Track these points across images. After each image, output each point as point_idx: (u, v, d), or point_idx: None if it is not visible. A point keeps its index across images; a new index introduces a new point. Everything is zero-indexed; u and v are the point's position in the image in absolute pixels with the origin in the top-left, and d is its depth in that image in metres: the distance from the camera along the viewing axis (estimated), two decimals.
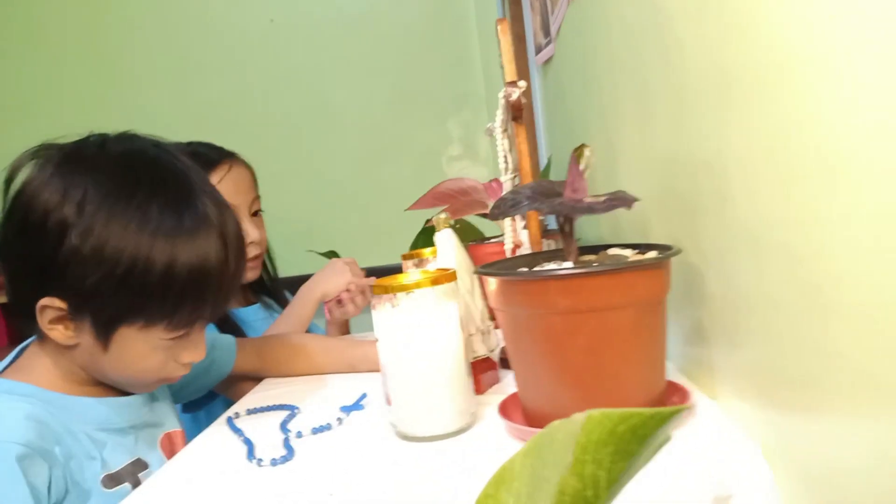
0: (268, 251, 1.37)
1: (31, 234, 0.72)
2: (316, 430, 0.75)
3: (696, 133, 0.64)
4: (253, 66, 2.59)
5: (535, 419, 0.65)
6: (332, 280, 1.26)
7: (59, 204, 0.72)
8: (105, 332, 0.74)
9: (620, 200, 0.58)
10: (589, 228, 1.23)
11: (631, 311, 0.59)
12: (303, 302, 1.26)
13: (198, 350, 0.82)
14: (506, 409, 0.69)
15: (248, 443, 0.74)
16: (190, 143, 1.26)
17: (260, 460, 0.68)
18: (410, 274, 0.73)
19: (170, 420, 0.91)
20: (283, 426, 0.78)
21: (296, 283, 1.55)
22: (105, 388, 0.82)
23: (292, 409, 0.85)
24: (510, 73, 0.86)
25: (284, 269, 2.51)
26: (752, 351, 0.55)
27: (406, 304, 0.68)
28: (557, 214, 0.63)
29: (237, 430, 0.79)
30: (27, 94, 2.54)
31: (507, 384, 0.84)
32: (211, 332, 1.10)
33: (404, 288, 0.68)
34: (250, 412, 0.87)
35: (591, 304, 0.58)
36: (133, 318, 0.74)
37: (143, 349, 0.76)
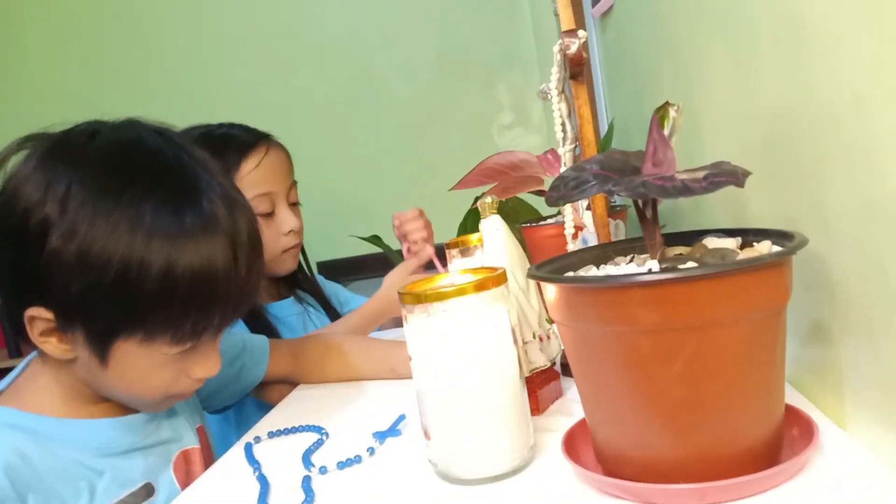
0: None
1: (13, 235, 0.63)
2: (342, 465, 0.62)
3: (819, 75, 0.48)
4: (289, 37, 2.47)
5: (611, 461, 0.50)
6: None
7: (41, 201, 0.62)
8: (101, 346, 0.64)
9: (729, 176, 0.43)
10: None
11: (743, 327, 0.44)
12: (368, 320, 1.15)
13: (209, 363, 0.71)
14: (573, 443, 0.54)
15: (263, 481, 0.61)
16: (221, 125, 1.15)
17: None
18: (449, 276, 0.59)
19: (187, 435, 0.80)
20: (307, 458, 0.65)
21: (335, 266, 1.43)
22: (111, 407, 0.73)
23: (320, 433, 0.72)
24: (567, 20, 0.69)
25: (323, 253, 2.41)
26: None
27: (444, 315, 0.54)
28: (639, 198, 0.47)
29: (253, 463, 0.67)
30: (64, 73, 2.49)
31: (572, 398, 0.70)
32: (242, 331, 0.99)
33: (441, 296, 0.53)
34: (272, 435, 0.74)
35: (689, 319, 0.43)
36: (130, 331, 0.64)
37: (147, 365, 0.67)
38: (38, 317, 0.64)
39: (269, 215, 1.11)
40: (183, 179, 0.65)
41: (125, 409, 0.73)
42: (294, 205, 1.19)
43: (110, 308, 0.62)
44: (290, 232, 1.14)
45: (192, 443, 0.80)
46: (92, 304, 0.62)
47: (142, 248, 0.61)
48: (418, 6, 2.41)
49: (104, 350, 0.64)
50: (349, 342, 0.95)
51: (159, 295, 0.62)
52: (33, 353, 0.74)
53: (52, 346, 0.65)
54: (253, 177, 1.09)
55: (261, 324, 1.11)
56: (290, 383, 0.95)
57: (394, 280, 1.16)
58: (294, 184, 1.19)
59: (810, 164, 0.53)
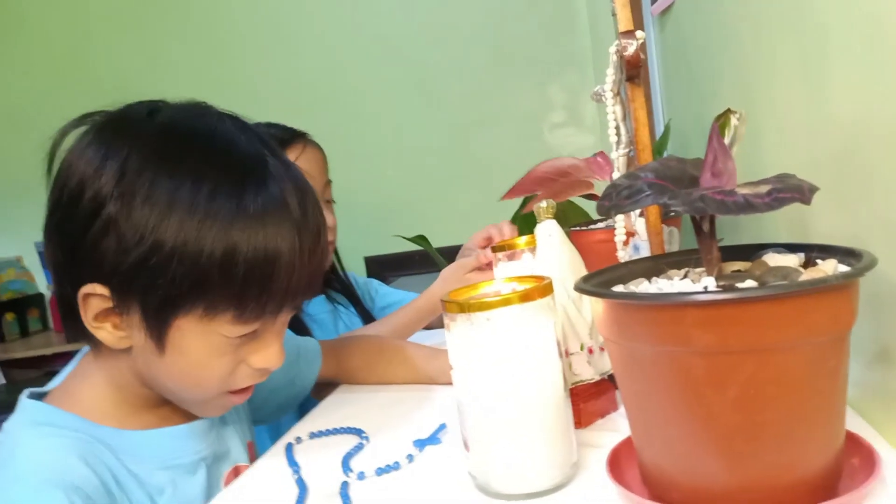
0: None
1: (68, 208, 0.61)
2: (381, 471, 0.62)
3: None
4: (345, 34, 2.48)
5: (658, 485, 0.48)
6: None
7: (97, 173, 0.60)
8: (158, 326, 0.61)
9: (794, 192, 0.40)
10: None
11: (804, 352, 0.41)
12: (417, 316, 1.14)
13: (271, 353, 0.67)
14: (618, 463, 0.52)
15: (301, 486, 0.61)
16: (259, 124, 1.16)
17: None
18: (493, 284, 0.58)
19: (237, 450, 0.77)
20: (346, 462, 0.65)
21: (382, 262, 1.43)
22: (167, 414, 0.70)
23: (360, 436, 0.71)
24: (625, 20, 0.67)
25: (371, 249, 2.42)
26: None
27: (487, 325, 0.52)
28: (696, 213, 0.45)
29: (293, 465, 0.66)
30: (124, 67, 2.54)
31: (619, 413, 0.68)
32: (293, 335, 0.97)
33: (485, 306, 0.52)
34: (314, 436, 0.74)
35: (747, 341, 0.40)
36: (191, 304, 0.60)
37: (206, 349, 0.63)
38: (93, 293, 0.61)
39: None
40: (250, 160, 0.63)
41: (183, 417, 0.70)
42: (328, 202, 1.19)
43: (168, 280, 0.59)
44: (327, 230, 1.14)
45: (242, 459, 0.77)
46: (149, 276, 0.59)
47: (201, 221, 0.58)
48: (475, 3, 2.40)
49: (162, 331, 0.61)
50: (391, 348, 0.94)
51: (219, 270, 0.59)
52: (83, 351, 0.71)
53: (106, 332, 0.62)
54: None
55: (293, 321, 1.11)
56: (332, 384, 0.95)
57: (447, 277, 1.13)
58: (329, 182, 1.20)
59: (883, 179, 0.50)
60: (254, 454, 0.80)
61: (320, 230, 0.65)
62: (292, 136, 1.15)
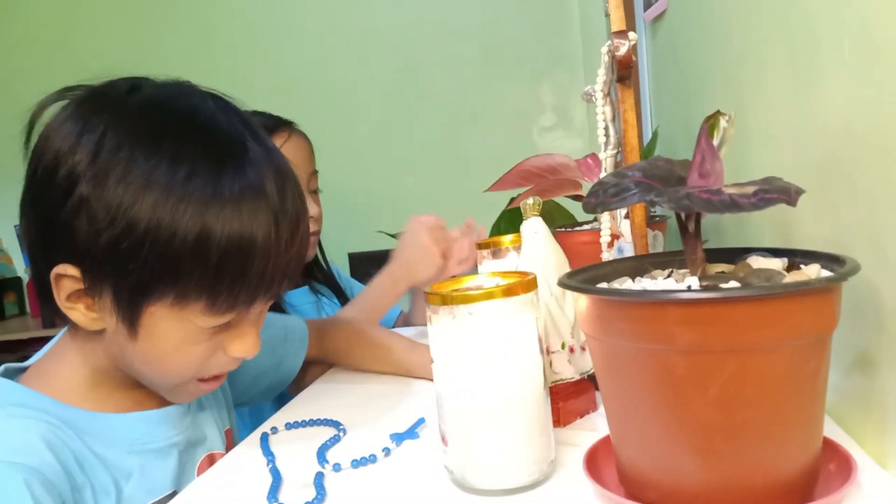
0: None
1: (42, 184, 0.60)
2: (357, 463, 0.61)
3: (892, 93, 0.45)
4: (333, 27, 2.47)
5: (635, 484, 0.48)
6: (420, 270, 1.06)
7: (72, 148, 0.58)
8: (130, 310, 0.60)
9: (781, 193, 0.40)
10: None
11: (785, 354, 0.41)
12: (383, 292, 1.10)
13: (247, 341, 0.66)
14: (595, 461, 0.52)
15: (275, 475, 0.60)
16: (245, 112, 1.15)
17: None
18: (477, 278, 0.57)
19: (213, 437, 0.76)
20: (321, 453, 0.64)
21: (367, 258, 1.42)
22: (142, 397, 0.69)
23: (337, 428, 0.71)
24: (618, 21, 0.67)
25: (355, 245, 2.41)
26: None
27: (469, 319, 0.52)
28: (682, 211, 0.45)
29: (268, 454, 0.65)
30: (110, 53, 2.51)
31: (598, 413, 0.68)
32: (281, 316, 0.96)
33: (467, 299, 0.52)
34: (290, 426, 0.73)
35: (728, 341, 0.40)
36: (162, 291, 0.59)
37: (180, 336, 0.62)
38: (65, 274, 0.60)
39: None
40: (229, 142, 0.61)
41: (157, 401, 0.70)
42: (314, 193, 1.18)
43: (140, 265, 0.57)
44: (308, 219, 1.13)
45: (218, 447, 0.76)
46: (120, 260, 0.57)
47: (175, 205, 0.57)
48: (465, 1, 2.39)
49: (134, 316, 0.60)
50: (372, 336, 0.94)
51: (192, 256, 0.58)
52: (63, 331, 0.70)
53: (79, 313, 0.61)
54: None
55: (275, 311, 1.10)
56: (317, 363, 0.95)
57: (408, 243, 1.07)
58: (315, 172, 1.19)
59: (869, 186, 0.50)
60: (232, 442, 0.79)
61: (300, 218, 0.64)
62: (277, 124, 1.14)
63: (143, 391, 0.69)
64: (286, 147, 1.11)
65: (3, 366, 0.69)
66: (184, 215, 0.57)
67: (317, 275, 1.26)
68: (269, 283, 0.62)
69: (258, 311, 0.66)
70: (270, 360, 0.87)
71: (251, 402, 0.94)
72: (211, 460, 0.73)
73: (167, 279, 0.58)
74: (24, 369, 0.69)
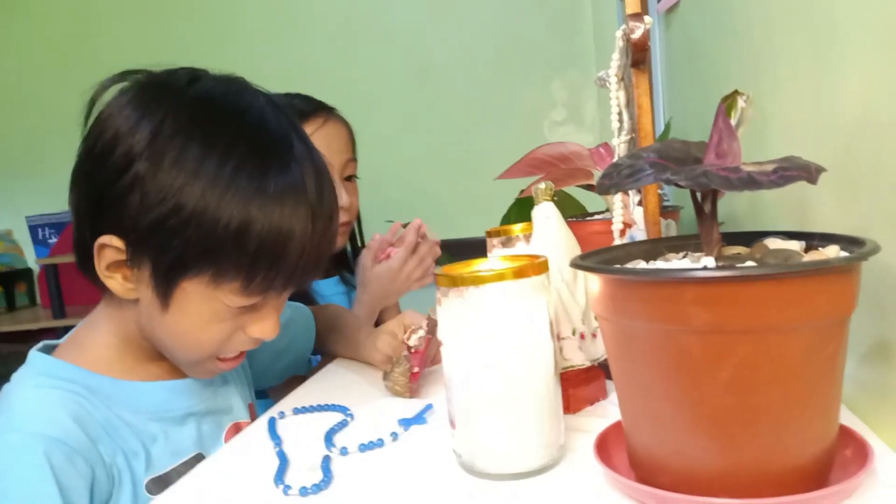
0: (358, 220, 1.23)
1: (98, 159, 0.64)
2: (364, 448, 0.61)
3: None
4: (347, 28, 2.46)
5: (646, 468, 0.47)
6: (391, 296, 1.13)
7: (131, 130, 0.63)
8: (165, 284, 0.64)
9: (801, 170, 0.39)
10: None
11: (803, 335, 0.40)
12: (359, 308, 1.13)
13: (267, 324, 0.70)
14: (605, 446, 0.51)
15: (282, 458, 0.60)
16: (287, 94, 1.14)
17: (287, 487, 0.54)
18: (488, 261, 0.57)
19: (239, 408, 0.80)
20: (329, 437, 0.64)
21: None
22: (166, 369, 0.73)
23: (345, 413, 0.70)
24: (633, 3, 0.66)
25: (368, 237, 2.41)
26: None
27: (479, 302, 0.51)
28: (699, 188, 0.44)
29: (275, 438, 0.65)
30: (127, 51, 2.52)
31: (610, 401, 0.67)
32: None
33: (477, 280, 0.51)
34: (298, 411, 0.73)
35: (745, 322, 0.40)
36: (199, 269, 0.63)
37: (207, 313, 0.66)
38: (109, 245, 0.64)
39: None
40: (276, 139, 0.66)
41: (181, 373, 0.74)
42: (349, 180, 1.17)
43: (182, 243, 0.62)
44: (340, 208, 1.12)
45: (243, 416, 0.80)
46: (164, 237, 0.62)
47: (222, 193, 0.61)
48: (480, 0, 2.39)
49: (168, 290, 0.64)
50: (340, 323, 0.98)
51: (233, 242, 0.62)
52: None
53: (116, 282, 0.65)
54: None
55: (305, 299, 1.10)
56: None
57: (369, 284, 1.13)
58: (352, 160, 1.17)
59: (890, 173, 0.49)
60: (254, 415, 0.82)
61: (333, 215, 0.68)
62: (315, 109, 1.13)
63: (168, 363, 0.73)
64: (322, 132, 1.10)
65: (42, 342, 0.73)
66: (229, 204, 0.61)
67: (349, 265, 1.25)
68: (302, 272, 0.67)
69: (283, 297, 0.70)
70: (277, 345, 0.88)
71: (269, 383, 0.97)
72: (237, 428, 0.77)
73: (206, 259, 0.62)
74: (56, 346, 0.73)
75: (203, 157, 0.61)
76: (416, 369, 0.73)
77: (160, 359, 0.72)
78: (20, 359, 0.72)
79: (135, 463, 0.67)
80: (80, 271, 0.69)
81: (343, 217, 1.14)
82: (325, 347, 0.99)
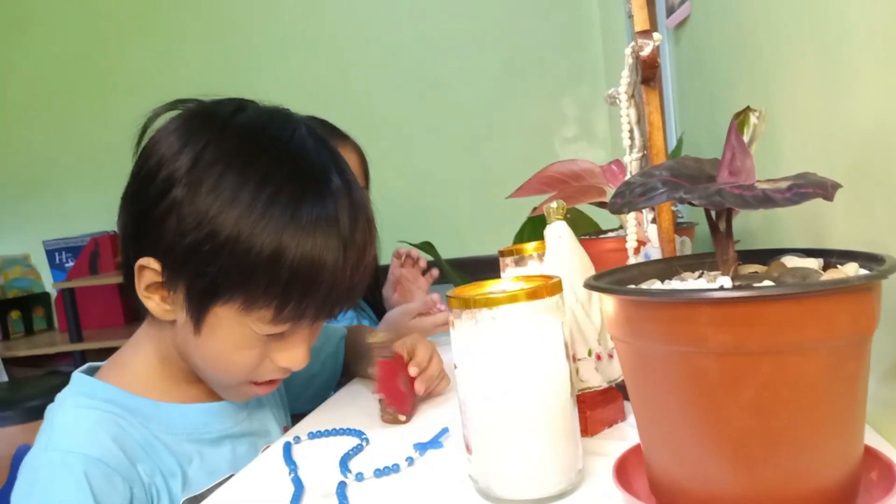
0: None
1: (142, 183, 0.67)
2: (379, 473, 0.60)
3: None
4: (355, 42, 2.48)
5: (667, 493, 0.46)
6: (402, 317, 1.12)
7: (175, 155, 0.65)
8: (198, 308, 0.65)
9: (817, 188, 0.38)
10: None
11: (823, 356, 0.40)
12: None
13: (296, 354, 0.71)
14: (625, 470, 0.50)
15: (297, 484, 0.60)
16: (304, 118, 1.15)
17: None
18: (500, 282, 0.56)
19: (274, 430, 0.82)
20: (344, 463, 0.63)
21: (388, 271, 1.41)
22: (202, 391, 0.75)
23: (360, 437, 0.70)
24: (641, 21, 0.66)
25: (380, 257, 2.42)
26: None
27: (492, 323, 0.51)
28: (713, 207, 0.43)
29: (290, 463, 0.65)
30: (134, 68, 2.54)
31: (628, 423, 0.66)
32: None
33: (490, 302, 0.51)
34: (312, 436, 0.73)
35: (763, 343, 0.39)
36: (230, 295, 0.65)
37: (237, 339, 0.67)
38: (147, 266, 0.66)
39: None
40: (314, 171, 0.67)
41: (217, 396, 0.75)
42: None
43: (216, 269, 0.63)
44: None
45: (278, 439, 0.79)
46: (199, 261, 0.63)
47: (256, 221, 0.62)
48: (487, 13, 2.39)
49: (201, 313, 0.65)
50: (361, 345, 0.97)
51: (265, 269, 0.63)
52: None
53: (154, 303, 0.67)
54: None
55: None
56: None
57: (391, 321, 1.11)
58: (363, 188, 1.18)
59: None
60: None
61: (366, 249, 0.69)
62: (329, 136, 1.14)
63: (204, 386, 0.74)
64: None
65: (87, 364, 0.75)
66: (262, 232, 0.62)
67: (367, 297, 1.25)
68: (333, 303, 0.68)
69: (315, 327, 0.71)
70: (318, 363, 0.92)
71: (304, 406, 0.96)
72: None
73: (237, 285, 0.64)
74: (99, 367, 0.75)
75: (240, 185, 0.63)
76: (380, 396, 0.74)
77: (197, 381, 0.74)
78: (37, 383, 0.73)
79: (172, 483, 0.68)
80: (125, 293, 0.71)
81: None
82: (351, 368, 1.00)
